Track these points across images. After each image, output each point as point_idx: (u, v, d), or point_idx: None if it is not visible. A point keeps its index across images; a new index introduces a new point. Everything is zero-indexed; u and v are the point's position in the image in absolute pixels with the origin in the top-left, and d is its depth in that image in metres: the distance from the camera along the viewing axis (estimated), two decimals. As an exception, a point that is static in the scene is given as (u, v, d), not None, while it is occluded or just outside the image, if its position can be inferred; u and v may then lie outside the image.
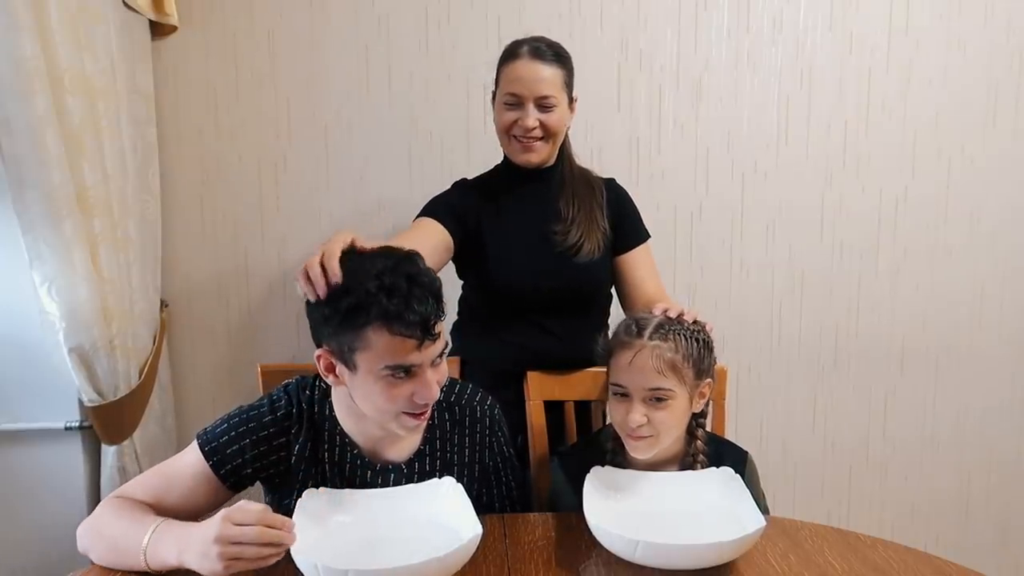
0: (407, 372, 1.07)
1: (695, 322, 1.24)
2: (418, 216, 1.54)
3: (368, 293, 1.03)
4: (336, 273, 1.04)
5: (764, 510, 1.21)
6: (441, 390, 1.24)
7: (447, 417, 1.25)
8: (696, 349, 1.21)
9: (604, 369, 1.31)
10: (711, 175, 2.05)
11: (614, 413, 1.23)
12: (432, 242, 1.45)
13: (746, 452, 1.32)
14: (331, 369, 1.11)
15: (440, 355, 1.10)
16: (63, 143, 1.47)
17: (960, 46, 2.04)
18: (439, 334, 1.07)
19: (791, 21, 2.01)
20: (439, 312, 1.07)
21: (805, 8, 2.01)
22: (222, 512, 0.96)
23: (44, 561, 1.68)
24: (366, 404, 1.11)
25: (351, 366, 1.07)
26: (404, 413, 1.10)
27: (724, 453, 1.29)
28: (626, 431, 1.20)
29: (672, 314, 1.24)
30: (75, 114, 1.51)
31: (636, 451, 1.21)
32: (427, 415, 1.13)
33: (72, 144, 1.50)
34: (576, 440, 1.51)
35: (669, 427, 1.21)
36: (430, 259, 1.37)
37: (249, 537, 0.93)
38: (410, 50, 1.97)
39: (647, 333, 1.20)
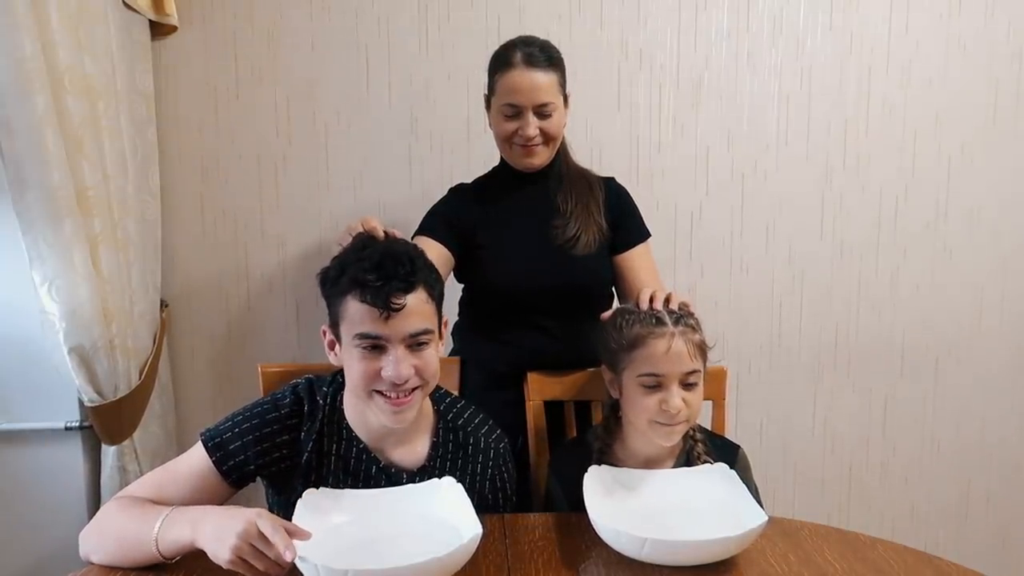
0: (378, 346, 1.09)
1: (683, 304, 1.27)
2: (415, 235, 1.55)
3: (348, 260, 1.11)
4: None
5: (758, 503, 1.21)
6: (451, 410, 1.25)
7: (451, 437, 1.24)
8: (702, 331, 1.25)
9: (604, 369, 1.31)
10: (711, 175, 2.05)
11: (646, 404, 1.21)
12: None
13: (738, 447, 1.32)
14: (332, 345, 1.17)
15: (416, 336, 1.10)
16: (63, 143, 1.47)
17: (960, 46, 2.04)
18: (402, 307, 1.07)
19: (791, 21, 2.01)
20: (407, 286, 1.08)
21: (805, 8, 2.01)
22: (255, 513, 0.98)
23: (44, 561, 1.68)
24: (349, 382, 1.14)
25: (339, 339, 1.14)
26: (377, 393, 1.12)
27: (716, 448, 1.29)
28: (663, 420, 1.20)
29: (659, 303, 1.26)
30: (75, 114, 1.51)
31: (667, 439, 1.22)
32: (405, 403, 1.12)
33: (72, 144, 1.50)
34: (563, 444, 1.48)
35: (698, 409, 1.23)
36: None
37: (268, 550, 0.95)
38: (410, 50, 1.97)
39: (669, 320, 1.22)
